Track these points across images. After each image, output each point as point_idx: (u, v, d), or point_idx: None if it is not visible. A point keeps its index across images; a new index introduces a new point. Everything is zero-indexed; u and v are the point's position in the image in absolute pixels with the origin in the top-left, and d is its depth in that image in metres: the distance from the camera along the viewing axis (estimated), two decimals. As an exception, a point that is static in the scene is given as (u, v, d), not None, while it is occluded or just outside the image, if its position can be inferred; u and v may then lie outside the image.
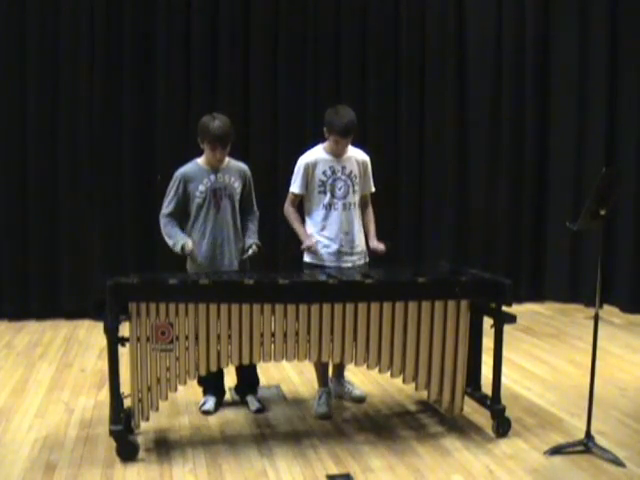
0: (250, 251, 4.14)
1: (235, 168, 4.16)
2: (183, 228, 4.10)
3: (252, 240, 4.18)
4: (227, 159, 4.13)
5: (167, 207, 4.07)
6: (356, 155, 4.27)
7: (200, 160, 4.12)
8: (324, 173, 4.16)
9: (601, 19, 6.79)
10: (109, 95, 6.34)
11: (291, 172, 4.27)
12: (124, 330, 3.55)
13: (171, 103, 6.45)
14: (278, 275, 3.77)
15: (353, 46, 6.77)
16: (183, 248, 3.95)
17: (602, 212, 3.56)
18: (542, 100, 7.07)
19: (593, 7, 6.85)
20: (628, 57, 6.69)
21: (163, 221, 4.07)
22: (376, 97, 6.82)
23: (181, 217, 4.11)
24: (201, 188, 4.05)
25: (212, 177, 4.07)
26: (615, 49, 6.75)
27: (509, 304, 3.82)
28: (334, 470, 3.47)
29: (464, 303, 3.81)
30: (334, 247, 4.18)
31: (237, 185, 4.14)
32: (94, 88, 6.31)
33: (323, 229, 4.19)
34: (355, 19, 6.75)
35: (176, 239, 4.00)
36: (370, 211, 4.38)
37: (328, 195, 4.16)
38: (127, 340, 3.55)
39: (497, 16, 6.97)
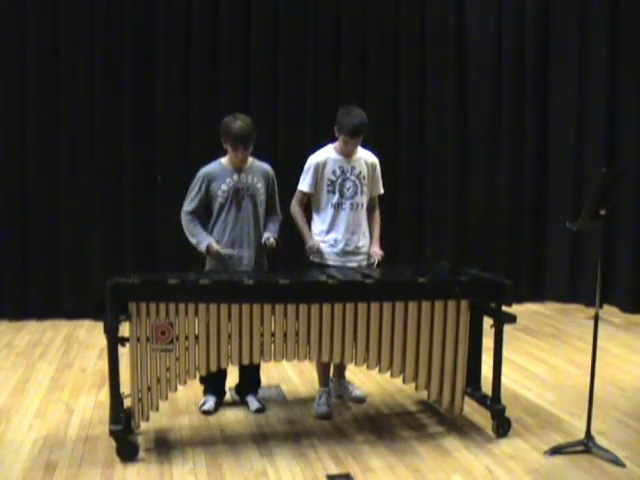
0: (267, 243, 4.13)
1: (259, 169, 4.18)
2: (205, 226, 4.13)
3: (269, 233, 4.17)
4: (251, 159, 4.15)
5: (189, 204, 4.10)
6: (366, 157, 4.28)
7: (224, 160, 4.15)
8: (333, 173, 4.17)
9: (601, 19, 6.79)
10: (109, 95, 6.34)
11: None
12: (124, 330, 3.55)
13: (171, 103, 6.45)
14: (278, 275, 3.77)
15: (353, 46, 6.76)
16: (208, 249, 3.99)
17: (602, 212, 3.57)
18: (542, 100, 7.07)
19: (593, 7, 6.85)
20: (628, 57, 6.69)
21: (186, 218, 4.10)
22: (376, 97, 6.83)
23: (203, 215, 4.13)
24: (223, 187, 4.06)
25: (235, 177, 4.08)
26: (615, 49, 6.75)
27: (509, 304, 3.82)
28: (334, 470, 3.47)
29: (464, 303, 3.81)
30: (340, 247, 4.19)
31: (260, 185, 4.15)
32: (94, 88, 6.31)
33: (331, 229, 4.20)
34: (355, 19, 6.75)
35: (200, 238, 4.04)
36: (377, 215, 4.39)
37: (337, 195, 4.17)
38: (127, 340, 3.55)
39: (497, 16, 6.98)
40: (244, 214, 4.10)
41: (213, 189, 4.07)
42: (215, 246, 4.01)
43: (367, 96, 6.78)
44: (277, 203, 4.29)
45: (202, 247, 4.02)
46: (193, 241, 4.07)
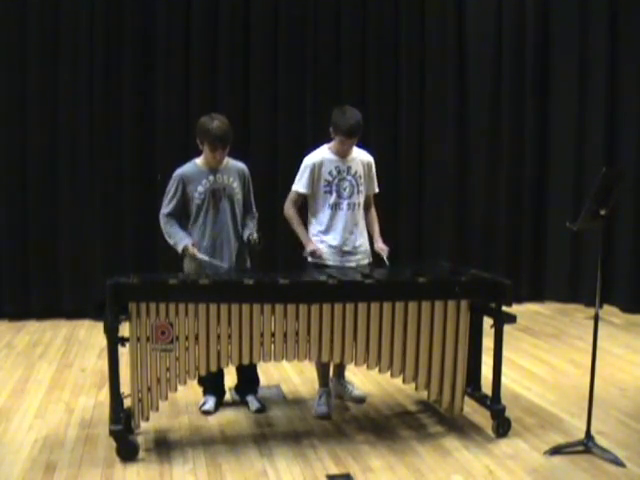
0: (251, 239, 4.08)
1: (234, 168, 4.16)
2: (184, 227, 4.10)
3: (249, 230, 4.14)
4: (226, 159, 4.13)
5: (167, 207, 4.08)
6: (360, 156, 4.28)
7: (199, 160, 4.12)
8: (330, 173, 4.17)
9: (601, 19, 6.79)
10: (109, 95, 6.34)
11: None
12: (124, 330, 3.55)
13: (171, 103, 6.45)
14: (278, 275, 3.77)
15: (353, 46, 6.77)
16: (184, 250, 3.97)
17: (602, 212, 3.57)
18: (542, 100, 7.07)
19: (593, 7, 6.85)
20: (628, 57, 6.69)
21: (163, 220, 4.08)
22: (376, 97, 6.83)
23: (181, 217, 4.11)
24: (200, 189, 4.04)
25: (211, 178, 4.06)
26: (615, 49, 6.75)
27: (509, 304, 3.82)
28: (334, 470, 3.47)
29: (464, 303, 3.81)
30: (338, 247, 4.18)
31: (236, 185, 4.13)
32: (94, 88, 6.31)
33: (328, 229, 4.19)
34: (355, 19, 6.75)
35: (177, 239, 4.01)
36: (373, 212, 4.40)
37: (334, 195, 4.17)
38: (127, 340, 3.55)
39: (497, 16, 6.98)
40: (222, 215, 4.08)
41: (189, 191, 4.04)
42: (192, 249, 3.97)
43: (367, 96, 6.79)
44: (253, 201, 4.27)
45: (179, 248, 3.99)
46: (171, 242, 4.04)
